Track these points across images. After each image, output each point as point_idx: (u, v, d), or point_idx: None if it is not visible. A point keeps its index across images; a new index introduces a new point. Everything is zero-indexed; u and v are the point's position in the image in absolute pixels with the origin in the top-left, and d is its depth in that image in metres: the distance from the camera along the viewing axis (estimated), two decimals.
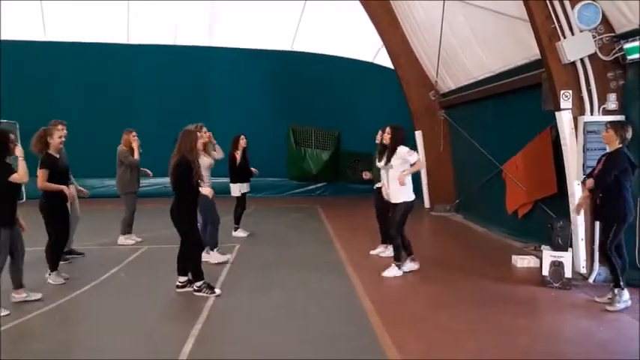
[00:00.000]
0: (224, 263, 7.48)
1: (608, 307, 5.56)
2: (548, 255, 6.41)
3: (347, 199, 14.67)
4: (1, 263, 5.44)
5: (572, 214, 6.52)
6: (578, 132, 6.59)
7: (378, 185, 7.66)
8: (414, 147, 12.30)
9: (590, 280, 6.51)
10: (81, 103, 14.28)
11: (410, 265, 7.10)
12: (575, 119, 6.63)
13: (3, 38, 13.59)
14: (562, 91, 6.60)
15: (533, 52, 7.62)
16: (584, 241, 6.63)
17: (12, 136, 5.61)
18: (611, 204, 5.54)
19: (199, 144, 6.47)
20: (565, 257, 6.33)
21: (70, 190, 6.66)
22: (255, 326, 5.16)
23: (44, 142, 6.43)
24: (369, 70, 15.77)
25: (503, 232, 9.59)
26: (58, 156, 6.57)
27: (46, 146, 6.43)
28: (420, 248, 7.67)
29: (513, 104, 9.28)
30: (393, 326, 5.06)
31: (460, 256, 8.23)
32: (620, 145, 5.57)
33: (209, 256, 7.34)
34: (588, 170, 6.13)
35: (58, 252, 6.61)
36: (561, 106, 6.64)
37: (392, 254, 7.16)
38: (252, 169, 9.51)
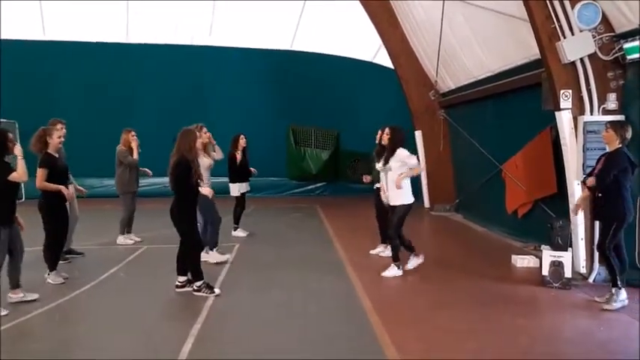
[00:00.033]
0: (223, 263, 7.47)
1: (605, 306, 5.57)
2: (548, 255, 6.40)
3: (347, 199, 14.66)
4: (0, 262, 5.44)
5: (572, 214, 6.52)
6: (578, 132, 6.59)
7: (377, 185, 7.65)
8: (413, 147, 12.37)
9: (590, 280, 6.51)
10: (80, 103, 14.27)
11: (414, 261, 7.09)
12: (575, 119, 6.63)
13: (2, 38, 13.58)
14: (562, 91, 6.59)
15: (533, 52, 7.61)
16: (583, 240, 6.63)
17: (10, 135, 5.61)
18: (611, 203, 5.53)
19: (198, 143, 6.46)
20: (565, 257, 6.33)
21: (69, 191, 6.64)
22: (255, 326, 5.15)
23: (43, 142, 6.42)
24: (369, 69, 15.76)
25: (503, 231, 9.59)
26: (57, 156, 6.56)
27: (45, 146, 6.42)
28: (419, 248, 7.65)
29: (513, 104, 9.28)
30: (393, 326, 5.05)
31: (460, 256, 8.23)
32: (620, 145, 5.57)
33: (208, 256, 7.34)
34: (588, 170, 6.12)
35: (57, 251, 6.60)
36: (561, 106, 6.64)
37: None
38: (252, 169, 9.50)
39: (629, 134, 5.65)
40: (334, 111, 15.40)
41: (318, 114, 15.38)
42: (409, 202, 6.87)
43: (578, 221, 6.57)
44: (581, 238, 6.62)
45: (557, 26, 6.49)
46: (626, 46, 6.05)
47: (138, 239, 8.98)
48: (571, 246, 6.54)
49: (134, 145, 8.70)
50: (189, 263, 6.15)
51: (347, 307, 5.75)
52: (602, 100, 6.46)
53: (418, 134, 12.85)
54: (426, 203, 12.99)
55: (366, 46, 15.12)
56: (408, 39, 12.48)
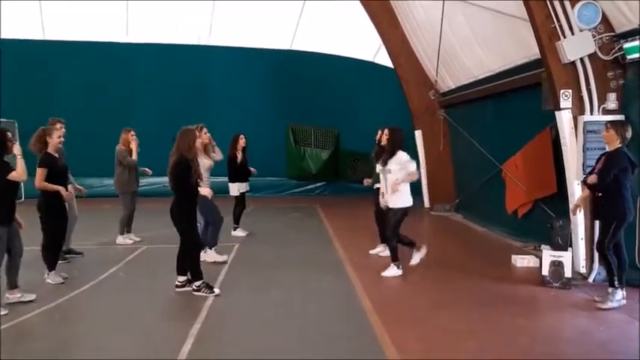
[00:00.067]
0: (221, 263, 7.45)
1: (600, 305, 5.59)
2: (548, 255, 6.40)
3: (346, 199, 14.66)
4: None
5: (571, 214, 6.51)
6: (578, 131, 6.59)
7: (377, 186, 7.64)
8: (413, 146, 12.37)
9: (590, 280, 6.50)
10: (80, 102, 14.28)
11: (417, 256, 7.07)
12: (575, 119, 6.63)
13: (2, 37, 13.57)
14: (562, 91, 6.59)
15: (533, 52, 7.61)
16: (583, 240, 6.63)
17: (9, 134, 5.60)
18: (611, 203, 5.53)
19: (198, 143, 6.46)
20: (565, 257, 6.32)
21: (67, 192, 6.57)
22: (254, 326, 5.15)
23: (43, 142, 6.41)
24: (369, 69, 15.76)
25: (503, 231, 9.58)
26: (57, 155, 6.55)
27: (45, 146, 6.41)
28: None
29: (513, 104, 9.28)
30: (393, 326, 5.05)
31: (460, 256, 8.22)
32: (620, 145, 5.57)
33: (205, 255, 7.32)
34: (588, 170, 6.11)
35: (55, 251, 6.59)
36: (561, 106, 6.63)
37: None
38: (251, 168, 9.50)
39: (629, 134, 5.65)
40: (334, 111, 15.40)
41: (318, 114, 15.38)
42: (407, 206, 6.86)
43: (578, 221, 6.56)
44: (581, 237, 6.62)
45: (557, 26, 6.49)
46: (626, 45, 6.04)
47: (137, 239, 8.98)
48: (571, 246, 6.53)
49: (133, 145, 8.69)
50: (188, 263, 6.14)
51: (347, 307, 5.74)
52: (602, 99, 6.46)
53: (418, 134, 12.85)
54: (426, 203, 12.99)
55: (366, 45, 15.13)
56: (408, 39, 12.47)
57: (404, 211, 6.83)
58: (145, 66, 14.86)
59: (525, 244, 8.58)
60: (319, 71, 15.39)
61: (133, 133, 8.82)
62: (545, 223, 7.03)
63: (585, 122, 6.49)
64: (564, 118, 6.66)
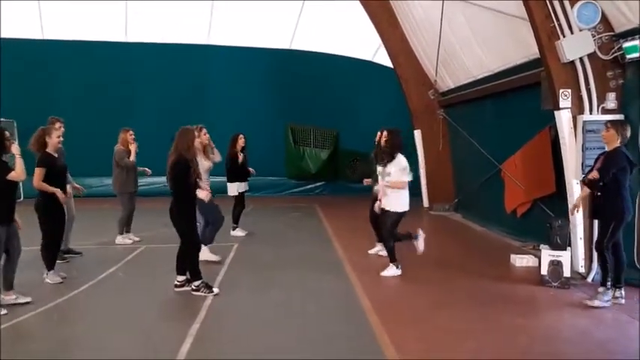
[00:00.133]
0: (214, 262, 7.42)
1: (588, 302, 5.63)
2: (547, 254, 6.40)
3: (346, 199, 14.65)
4: None
5: (570, 214, 6.51)
6: (577, 131, 6.59)
7: (377, 187, 7.63)
8: (412, 146, 12.38)
9: (589, 280, 6.51)
10: (79, 102, 14.25)
11: (420, 242, 7.03)
12: (575, 118, 6.63)
13: (1, 37, 13.55)
14: (561, 90, 6.59)
15: (532, 51, 7.61)
16: (582, 240, 6.63)
17: (7, 133, 5.59)
18: (610, 203, 5.53)
19: (197, 143, 6.45)
20: (564, 256, 6.33)
21: (64, 195, 6.50)
22: (254, 325, 5.15)
23: (42, 142, 6.39)
24: (368, 68, 15.75)
25: (502, 231, 9.58)
26: (56, 155, 6.53)
27: (44, 145, 6.40)
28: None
29: (512, 103, 9.28)
30: (392, 326, 5.05)
31: (459, 256, 8.22)
32: (619, 145, 5.57)
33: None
34: (587, 170, 6.11)
35: (54, 251, 6.58)
36: (560, 105, 6.63)
37: None
38: (250, 169, 9.49)
39: (628, 133, 5.67)
40: (333, 110, 15.39)
41: (317, 113, 15.37)
42: (402, 210, 6.85)
43: (577, 221, 6.57)
44: (580, 237, 6.62)
45: (556, 25, 6.49)
46: (626, 45, 6.04)
47: (136, 239, 8.97)
48: (570, 245, 6.54)
49: (133, 148, 8.67)
50: (188, 263, 6.13)
51: (346, 307, 5.74)
52: (601, 99, 6.46)
53: (417, 133, 12.85)
54: (425, 203, 13.00)
55: (365, 45, 15.11)
56: (408, 38, 12.47)
57: (399, 215, 6.84)
58: (144, 65, 14.83)
59: (524, 243, 8.59)
60: (319, 71, 15.37)
61: (131, 133, 8.81)
62: (544, 222, 7.03)
63: (584, 122, 6.49)
64: (563, 118, 6.66)
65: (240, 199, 9.53)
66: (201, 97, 15.00)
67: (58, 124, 6.96)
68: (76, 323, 5.35)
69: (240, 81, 15.27)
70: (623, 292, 5.68)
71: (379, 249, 8.02)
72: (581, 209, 6.22)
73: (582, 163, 6.47)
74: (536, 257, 7.17)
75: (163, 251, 7.83)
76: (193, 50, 15.24)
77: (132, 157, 8.64)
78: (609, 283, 5.64)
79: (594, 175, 5.57)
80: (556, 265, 6.32)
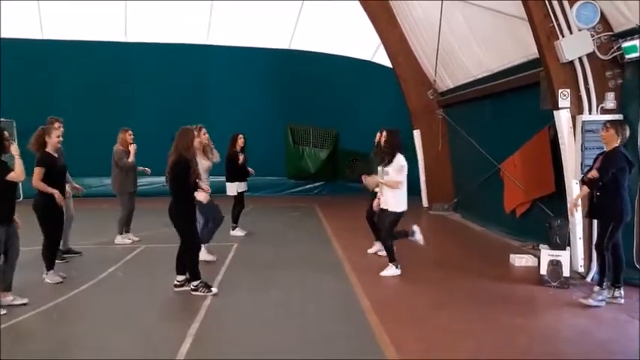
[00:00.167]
0: (210, 262, 7.42)
1: (582, 299, 5.66)
2: (546, 254, 6.41)
3: (345, 198, 14.63)
4: None
5: (569, 213, 6.52)
6: (577, 131, 6.59)
7: (377, 189, 7.64)
8: (412, 146, 12.38)
9: (588, 279, 6.51)
10: (79, 102, 14.25)
11: (418, 236, 7.07)
12: (574, 118, 6.63)
13: (1, 37, 13.54)
14: (560, 90, 6.59)
15: (531, 51, 7.61)
16: (582, 239, 6.64)
17: (6, 133, 5.59)
18: (609, 203, 5.53)
19: (197, 143, 6.45)
20: (563, 256, 6.33)
21: (61, 197, 6.50)
22: (253, 325, 5.15)
23: (42, 142, 6.39)
24: (368, 68, 15.75)
25: (501, 231, 9.59)
26: (56, 155, 6.53)
27: (43, 145, 6.40)
28: (418, 247, 7.65)
29: (512, 103, 9.28)
30: (392, 325, 5.05)
31: (458, 256, 8.23)
32: (618, 144, 5.57)
33: None
34: (586, 169, 6.12)
35: (53, 250, 6.59)
36: (559, 105, 6.64)
37: None
38: (250, 169, 9.49)
39: (627, 133, 5.68)
40: (333, 110, 15.39)
41: (316, 113, 15.36)
42: (400, 210, 6.85)
43: (577, 220, 6.57)
44: (579, 237, 6.63)
45: (555, 25, 6.50)
46: (625, 45, 6.05)
47: (136, 239, 8.97)
48: (569, 245, 6.54)
49: (132, 149, 8.67)
50: (188, 262, 6.13)
51: (345, 307, 5.74)
52: (600, 99, 6.47)
53: (417, 133, 12.86)
54: (425, 202, 13.00)
55: (364, 45, 15.11)
56: (407, 38, 12.48)
57: (397, 215, 6.84)
58: (144, 65, 14.82)
59: (524, 243, 8.59)
60: (318, 71, 15.37)
61: (130, 133, 8.80)
62: (543, 222, 7.04)
63: (584, 122, 6.50)
64: (563, 118, 6.67)
65: (239, 198, 9.53)
66: (201, 97, 14.99)
67: (57, 124, 6.95)
68: (75, 323, 5.34)
69: (240, 81, 15.27)
70: (622, 292, 5.69)
71: (378, 248, 8.03)
72: (580, 209, 6.23)
73: (581, 163, 6.48)
74: (535, 257, 7.17)
75: (163, 251, 7.84)
76: (193, 50, 15.24)
77: (131, 158, 8.63)
78: (605, 284, 5.65)
79: (594, 174, 5.57)
80: (555, 265, 6.32)
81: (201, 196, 6.04)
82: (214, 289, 6.07)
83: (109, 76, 14.63)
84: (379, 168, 7.20)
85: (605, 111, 6.45)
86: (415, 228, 7.09)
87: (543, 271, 6.38)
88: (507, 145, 9.34)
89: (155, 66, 14.91)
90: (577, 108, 6.60)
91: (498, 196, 9.68)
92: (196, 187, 6.08)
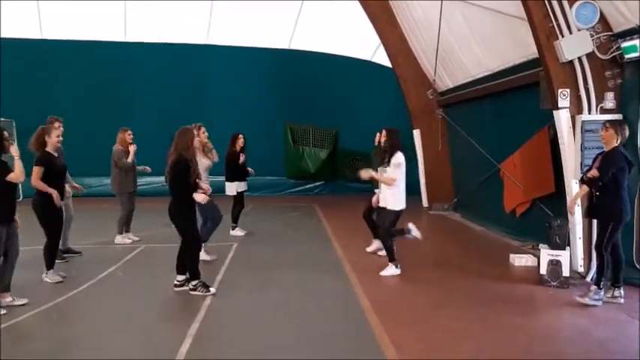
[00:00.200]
0: (213, 262, 7.43)
1: (578, 298, 5.68)
2: (546, 254, 6.41)
3: (345, 198, 14.64)
4: None
5: (569, 213, 6.52)
6: (576, 131, 6.60)
7: (377, 191, 7.65)
8: (411, 146, 12.38)
9: (588, 279, 6.50)
10: (79, 102, 14.26)
11: (415, 232, 7.10)
12: (573, 118, 6.64)
13: (1, 36, 13.54)
14: (560, 90, 6.60)
15: (531, 51, 7.61)
16: (581, 239, 6.63)
17: (6, 133, 5.59)
18: (608, 203, 5.53)
19: (197, 142, 6.45)
20: (563, 256, 6.33)
21: (63, 194, 6.53)
22: (253, 325, 5.15)
23: (42, 141, 6.40)
24: (367, 68, 15.76)
25: (501, 230, 9.59)
26: (56, 155, 6.54)
27: (43, 145, 6.40)
28: (418, 247, 7.69)
29: (511, 103, 9.28)
30: (392, 325, 5.05)
31: (458, 255, 8.23)
32: (617, 144, 5.57)
33: None
34: (585, 169, 6.12)
35: (53, 250, 6.58)
36: (559, 105, 6.64)
37: None
38: (249, 168, 9.50)
39: (627, 133, 5.68)
40: (333, 110, 15.39)
41: (316, 113, 15.36)
42: (399, 209, 6.85)
43: (576, 220, 6.57)
44: (579, 237, 6.63)
45: (555, 25, 6.50)
46: (624, 45, 6.05)
47: (136, 238, 8.97)
48: (569, 245, 6.55)
49: (132, 149, 8.66)
50: (188, 261, 6.13)
51: (345, 307, 5.74)
52: (600, 99, 6.47)
53: (416, 133, 12.85)
54: (424, 202, 13.00)
55: (364, 45, 15.11)
56: (407, 38, 12.48)
57: (395, 214, 6.84)
58: (144, 65, 14.82)
59: (523, 243, 8.59)
60: (318, 70, 15.37)
61: (130, 132, 8.80)
62: (543, 222, 7.04)
63: (583, 121, 6.50)
64: (562, 117, 6.67)
65: (239, 198, 9.53)
66: (201, 97, 14.99)
67: (57, 124, 6.95)
68: (75, 323, 5.34)
69: (240, 81, 15.27)
70: (622, 292, 5.70)
71: (377, 246, 8.04)
72: (579, 208, 6.23)
73: (581, 163, 6.48)
74: (535, 257, 7.18)
75: (163, 251, 7.84)
76: (193, 50, 15.24)
77: (130, 158, 8.63)
78: (603, 283, 5.65)
79: (594, 173, 5.57)
80: (555, 265, 6.33)
81: (199, 197, 6.02)
82: (212, 289, 6.07)
83: (109, 76, 14.63)
84: (379, 168, 7.21)
85: (604, 111, 6.46)
86: (410, 225, 7.12)
87: (543, 270, 6.38)
88: (507, 145, 9.34)
89: (155, 66, 14.91)
90: (576, 108, 6.60)
91: (498, 195, 9.68)
92: (196, 187, 6.08)
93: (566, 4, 6.37)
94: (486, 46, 9.57)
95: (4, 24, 13.42)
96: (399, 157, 6.80)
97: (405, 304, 5.91)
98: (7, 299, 5.60)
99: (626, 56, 6.06)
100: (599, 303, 5.58)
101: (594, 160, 5.79)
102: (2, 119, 12.03)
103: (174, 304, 5.94)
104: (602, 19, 6.33)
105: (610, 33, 6.33)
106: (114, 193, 8.95)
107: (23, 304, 5.60)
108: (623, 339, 4.79)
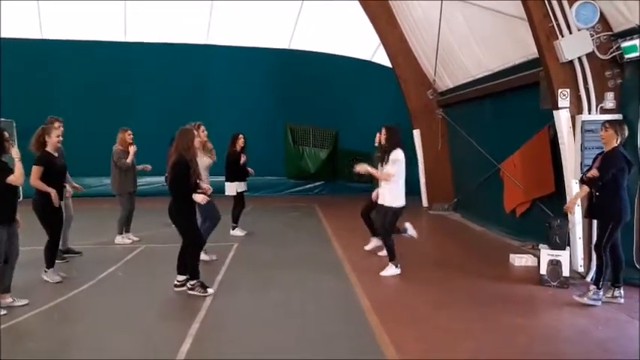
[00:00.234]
0: (212, 262, 7.43)
1: (577, 297, 5.69)
2: (546, 254, 6.41)
3: (345, 198, 14.64)
4: None
5: (569, 213, 6.52)
6: (576, 131, 6.60)
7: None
8: (411, 146, 12.38)
9: (588, 279, 6.50)
10: (79, 102, 14.25)
11: (410, 232, 7.18)
12: (573, 118, 6.64)
13: (1, 36, 13.54)
14: (560, 90, 6.60)
15: (531, 51, 7.62)
16: (581, 239, 6.64)
17: (7, 134, 5.59)
18: (608, 203, 5.53)
19: (197, 142, 6.44)
20: (563, 256, 6.34)
21: (62, 194, 6.53)
22: (253, 325, 5.15)
23: (42, 141, 6.40)
24: (367, 68, 15.76)
25: (501, 230, 9.59)
26: (56, 155, 6.54)
27: (43, 145, 6.40)
28: (417, 247, 7.69)
29: (511, 103, 9.29)
30: (392, 325, 5.06)
31: (458, 255, 8.23)
32: (617, 144, 5.58)
33: None
34: (586, 169, 6.12)
35: (53, 249, 6.59)
36: (559, 105, 6.64)
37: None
38: (249, 169, 9.50)
39: (626, 133, 5.68)
40: (333, 110, 15.40)
41: (316, 113, 15.37)
42: (398, 206, 6.84)
43: (576, 220, 6.57)
44: (579, 237, 6.63)
45: (555, 25, 6.50)
46: (624, 45, 6.05)
47: (136, 238, 8.97)
48: (569, 245, 6.55)
49: (132, 150, 8.67)
50: (188, 261, 6.13)
51: (345, 307, 5.74)
52: (599, 99, 6.47)
53: (416, 133, 12.86)
54: (424, 202, 13.01)
55: (364, 45, 15.11)
56: (407, 38, 12.48)
57: (395, 212, 6.84)
58: (144, 65, 14.82)
59: (523, 243, 8.59)
60: (318, 70, 15.37)
61: (129, 132, 8.80)
62: (543, 222, 7.04)
63: (583, 121, 6.50)
64: (562, 117, 6.67)
65: (239, 198, 9.53)
66: (201, 97, 14.98)
67: (57, 124, 6.95)
68: (75, 323, 5.35)
69: (240, 81, 15.27)
70: (622, 292, 5.70)
71: (375, 244, 8.04)
72: (579, 208, 6.23)
73: (581, 163, 6.48)
74: (535, 257, 7.18)
75: (163, 251, 7.84)
76: (193, 50, 15.24)
77: (129, 158, 8.63)
78: (602, 283, 5.65)
79: (594, 172, 5.57)
80: (555, 265, 6.33)
81: (198, 198, 6.01)
82: (210, 290, 6.06)
83: (109, 76, 14.62)
84: (380, 168, 7.21)
85: (604, 111, 6.46)
86: (407, 225, 7.12)
87: (543, 270, 6.39)
88: (507, 145, 9.34)
89: (155, 66, 14.91)
90: (576, 108, 6.60)
91: (498, 196, 9.68)
92: (197, 187, 6.08)
93: (566, 4, 6.37)
94: (486, 46, 9.57)
95: (4, 24, 13.42)
96: (397, 154, 6.80)
97: (405, 304, 5.91)
98: (8, 300, 5.60)
99: (626, 56, 6.06)
100: (598, 303, 5.59)
101: (594, 160, 5.80)
102: (2, 119, 12.02)
103: (175, 304, 5.94)
104: (602, 19, 6.34)
105: (610, 33, 6.34)
106: (114, 193, 8.95)
107: (24, 305, 5.60)
108: (623, 339, 4.80)
